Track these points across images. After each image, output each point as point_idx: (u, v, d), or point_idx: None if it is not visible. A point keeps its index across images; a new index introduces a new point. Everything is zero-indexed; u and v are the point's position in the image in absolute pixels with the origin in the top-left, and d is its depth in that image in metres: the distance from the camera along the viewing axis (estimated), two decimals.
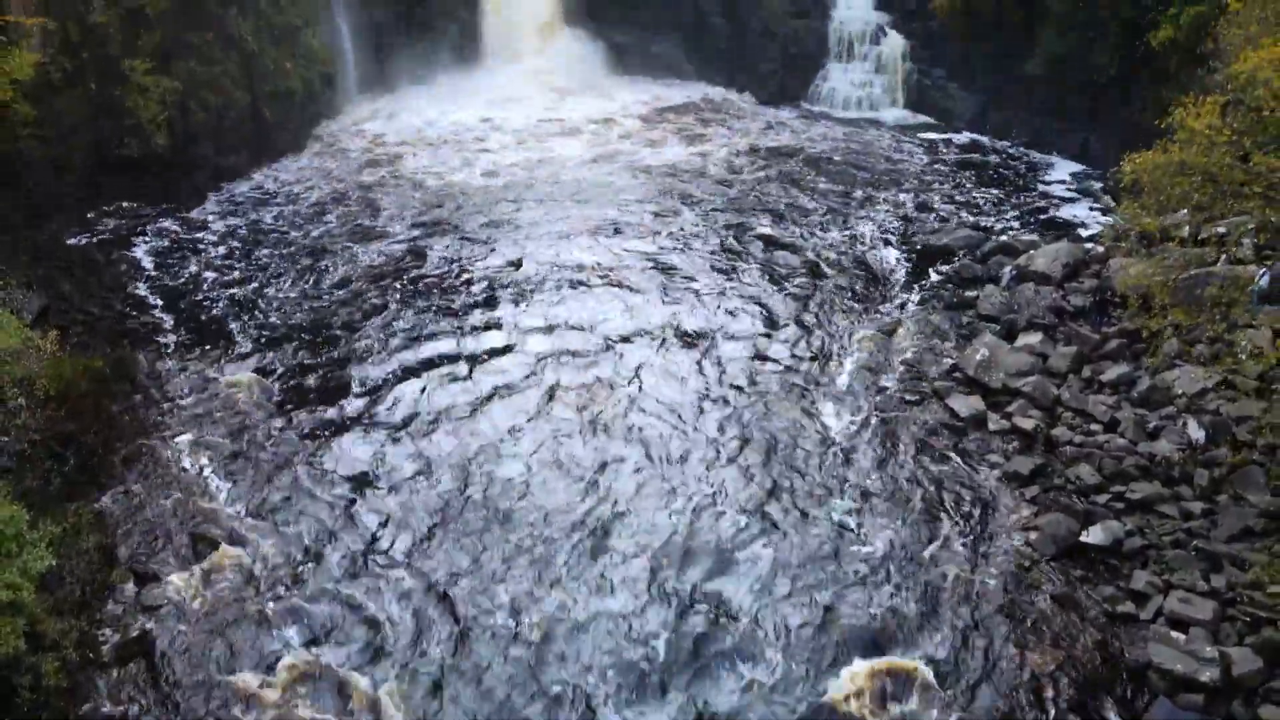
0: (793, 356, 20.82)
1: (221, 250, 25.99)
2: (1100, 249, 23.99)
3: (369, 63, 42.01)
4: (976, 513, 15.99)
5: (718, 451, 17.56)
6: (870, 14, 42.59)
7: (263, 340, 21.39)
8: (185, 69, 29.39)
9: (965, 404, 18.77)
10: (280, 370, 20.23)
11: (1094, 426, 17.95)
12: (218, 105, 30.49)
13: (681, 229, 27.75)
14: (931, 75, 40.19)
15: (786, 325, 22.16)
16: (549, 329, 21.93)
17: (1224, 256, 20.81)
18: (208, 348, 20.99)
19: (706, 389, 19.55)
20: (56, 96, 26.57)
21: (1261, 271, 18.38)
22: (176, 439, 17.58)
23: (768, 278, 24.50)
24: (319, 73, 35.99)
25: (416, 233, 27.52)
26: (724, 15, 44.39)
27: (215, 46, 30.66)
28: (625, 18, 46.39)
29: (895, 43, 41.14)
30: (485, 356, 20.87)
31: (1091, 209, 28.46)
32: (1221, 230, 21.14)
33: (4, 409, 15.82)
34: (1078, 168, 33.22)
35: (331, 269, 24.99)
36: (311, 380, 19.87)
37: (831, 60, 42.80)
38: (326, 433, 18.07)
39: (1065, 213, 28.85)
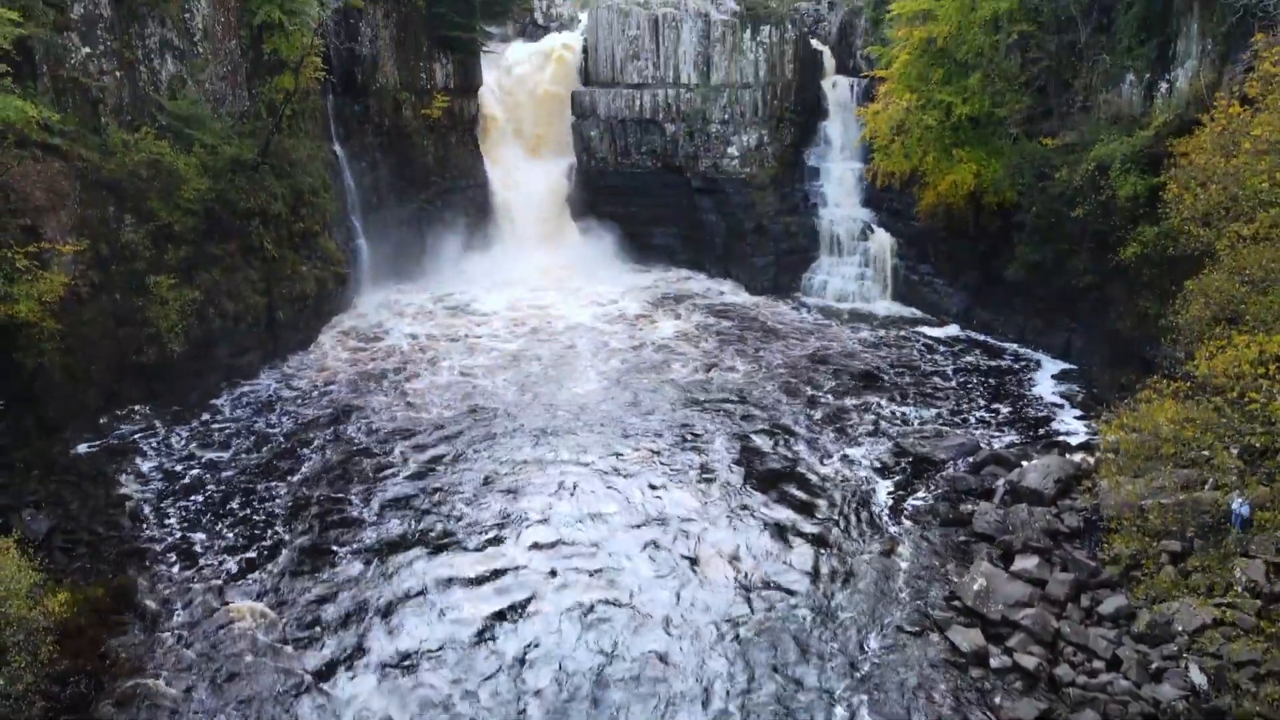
0: (790, 581, 20.86)
1: (228, 460, 26.40)
2: (1090, 461, 24.52)
3: (381, 256, 44.03)
4: None
5: (710, 692, 17.38)
6: (858, 211, 45.04)
7: (265, 561, 21.47)
8: (207, 278, 30.82)
9: (965, 638, 18.70)
10: (282, 595, 20.23)
11: (1096, 664, 17.83)
12: (235, 311, 31.78)
13: (676, 430, 28.34)
14: (919, 271, 42.01)
15: (782, 543, 22.31)
16: (552, 544, 22.14)
17: (1210, 480, 21.30)
18: (210, 570, 21.06)
19: (701, 619, 19.50)
20: (82, 309, 27.73)
21: (1241, 501, 18.78)
22: (173, 681, 17.39)
23: (759, 489, 24.84)
24: (333, 273, 37.67)
25: (422, 438, 27.96)
26: (719, 212, 46.89)
27: (237, 256, 32.29)
28: (627, 211, 49.04)
29: (883, 240, 43.27)
30: (491, 576, 21.00)
31: (1078, 418, 29.13)
32: (1206, 452, 21.72)
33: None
34: (1063, 366, 34.22)
35: (335, 479, 25.32)
36: (314, 607, 19.83)
37: (822, 255, 44.89)
38: (329, 668, 17.93)
39: (1054, 417, 29.54)
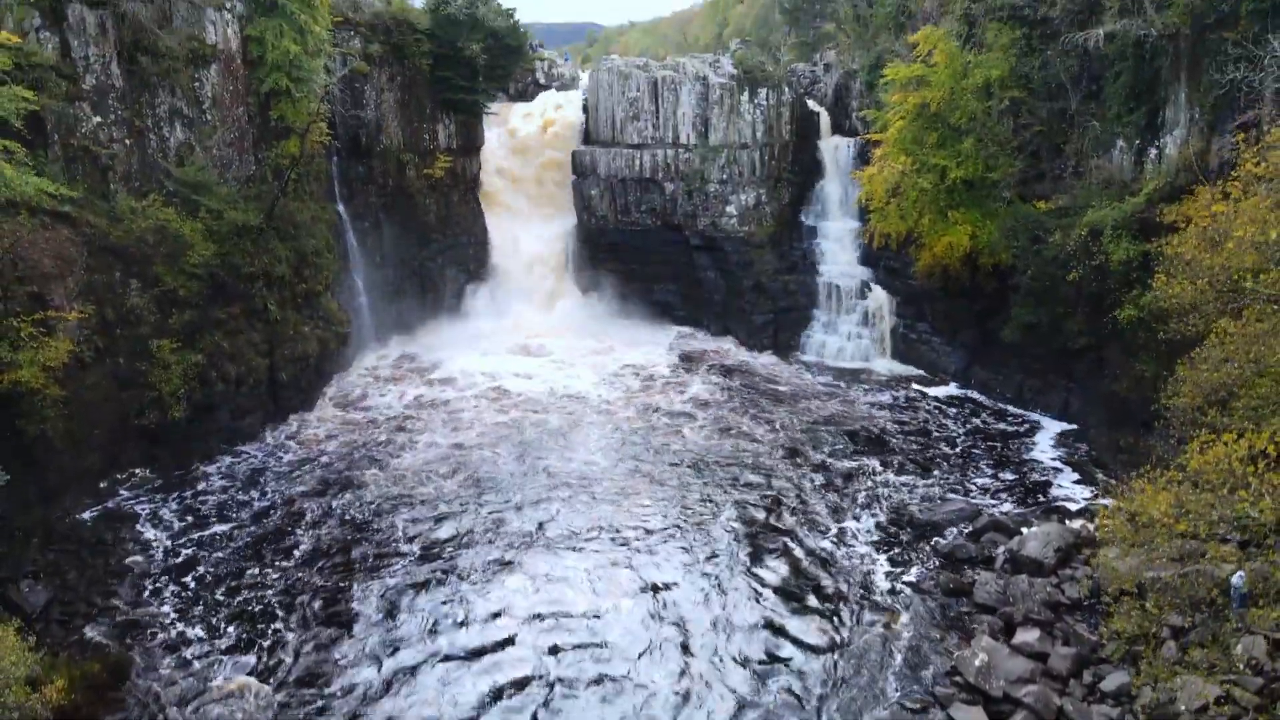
0: (790, 654, 20.76)
1: (226, 532, 26.21)
2: (1090, 528, 24.51)
3: (383, 313, 44.44)
4: None
5: None
6: (856, 269, 45.52)
7: (262, 636, 21.34)
8: (210, 342, 31.06)
9: (968, 716, 18.54)
10: (280, 670, 20.09)
11: None
12: (237, 374, 31.96)
13: (678, 500, 28.36)
14: (917, 330, 42.34)
15: (783, 615, 22.22)
16: (554, 616, 22.04)
17: (1210, 538, 21.29)
18: (207, 644, 20.93)
19: (703, 693, 19.38)
20: (85, 373, 27.90)
21: (1239, 573, 18.75)
22: None
23: (759, 559, 24.77)
24: (335, 333, 37.92)
25: (421, 511, 27.58)
26: (718, 270, 47.38)
27: (240, 319, 32.58)
28: (627, 269, 49.56)
29: (880, 298, 43.66)
30: (491, 649, 20.89)
31: (1077, 481, 29.16)
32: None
33: None
34: (1062, 427, 34.34)
35: (332, 554, 24.97)
36: (311, 684, 19.69)
37: (821, 313, 45.26)
38: None
39: (1053, 481, 29.56)
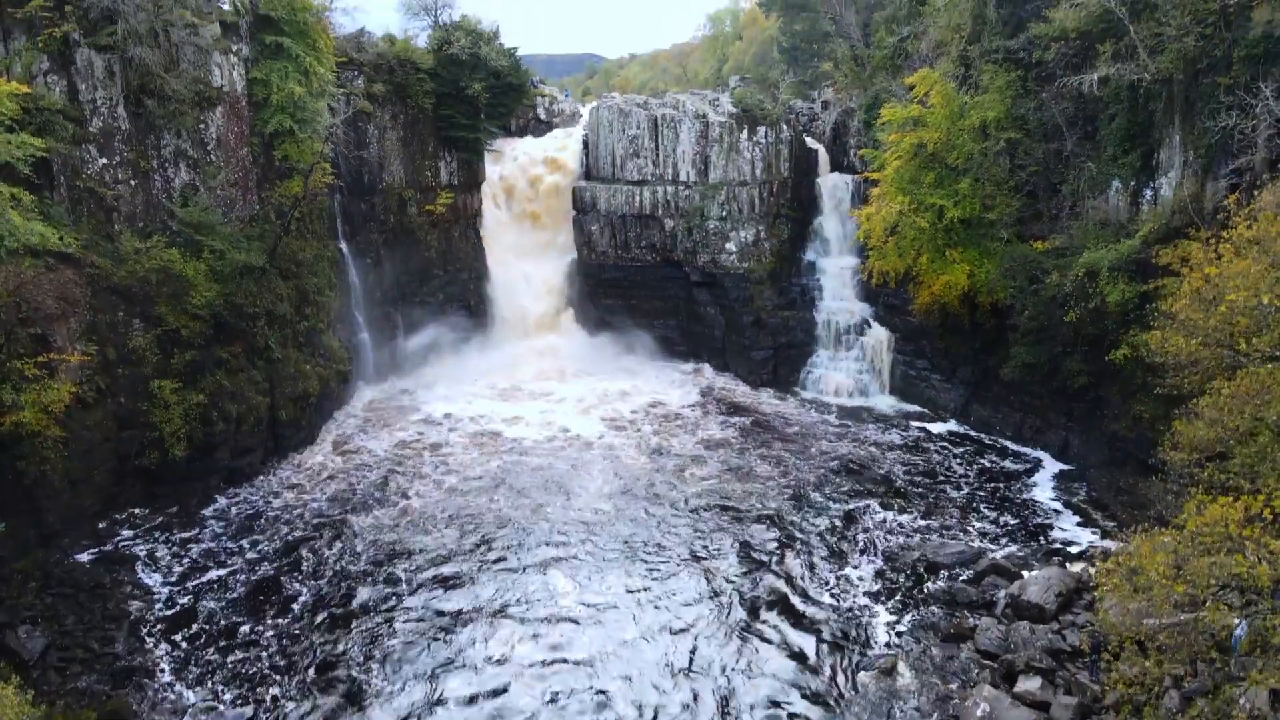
0: (793, 702, 20.64)
1: (224, 573, 26.08)
2: (1091, 572, 24.44)
3: (383, 349, 44.55)
4: None
5: None
6: (855, 305, 45.69)
7: (260, 683, 21.20)
8: (211, 381, 31.10)
9: None
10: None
11: None
12: (238, 413, 31.98)
13: (679, 543, 28.30)
14: (916, 366, 42.43)
15: (784, 662, 22.12)
16: (554, 663, 21.94)
17: (1210, 598, 21.22)
18: (204, 690, 20.81)
19: None
20: (86, 414, 27.93)
21: (1239, 622, 18.67)
22: None
23: (761, 606, 24.65)
24: (336, 370, 38.03)
25: (420, 559, 27.21)
26: (717, 306, 47.59)
27: (242, 357, 32.67)
28: (627, 304, 49.75)
29: (880, 335, 43.81)
30: (491, 694, 20.79)
31: (1079, 524, 29.12)
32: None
33: None
34: (1062, 467, 34.32)
35: (331, 601, 24.71)
36: None
37: (820, 349, 45.39)
38: None
39: (1053, 523, 29.49)
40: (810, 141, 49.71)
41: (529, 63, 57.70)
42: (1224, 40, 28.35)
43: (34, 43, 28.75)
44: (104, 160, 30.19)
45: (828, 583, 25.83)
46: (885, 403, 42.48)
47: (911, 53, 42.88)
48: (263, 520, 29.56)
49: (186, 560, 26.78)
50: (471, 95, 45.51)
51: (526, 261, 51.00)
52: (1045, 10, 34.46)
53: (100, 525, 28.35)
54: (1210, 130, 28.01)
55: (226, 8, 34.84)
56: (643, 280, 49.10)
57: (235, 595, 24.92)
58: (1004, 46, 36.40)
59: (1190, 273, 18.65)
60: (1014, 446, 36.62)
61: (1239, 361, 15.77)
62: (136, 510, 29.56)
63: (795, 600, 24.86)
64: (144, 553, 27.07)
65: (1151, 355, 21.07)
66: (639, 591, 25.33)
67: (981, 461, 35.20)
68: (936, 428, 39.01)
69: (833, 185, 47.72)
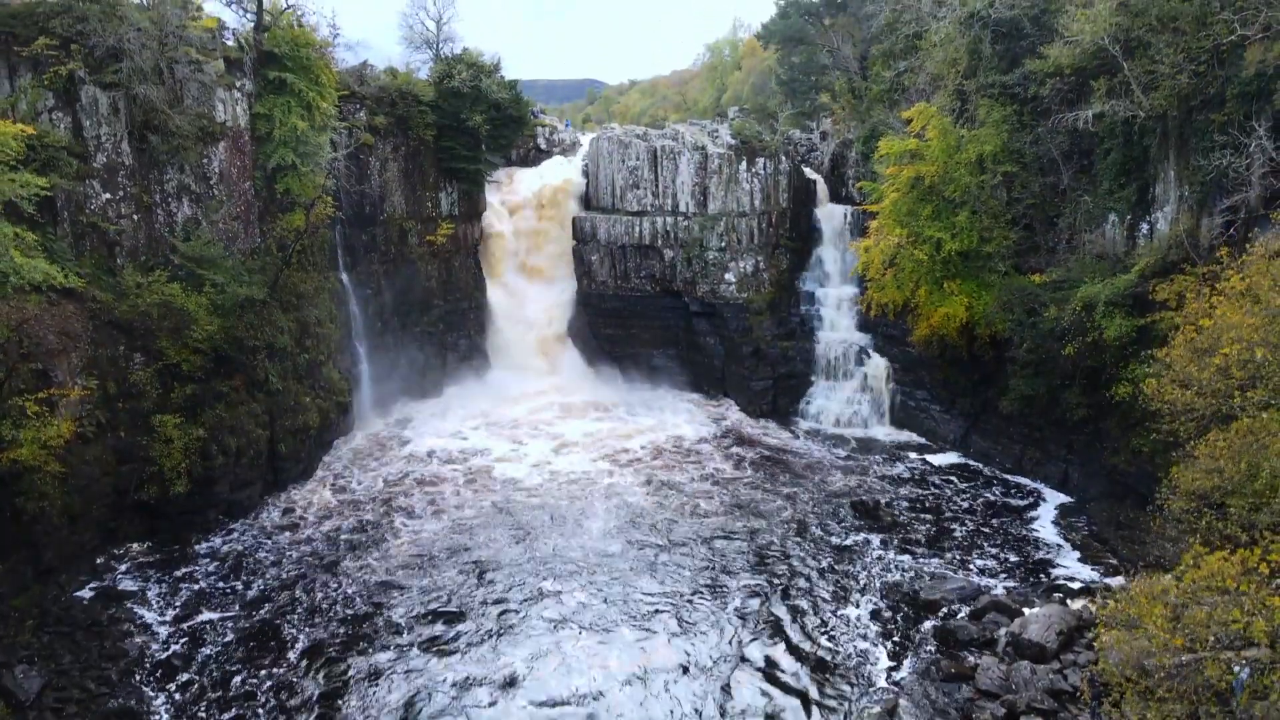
0: None
1: (219, 614, 25.77)
2: (1092, 609, 24.35)
3: (383, 380, 44.60)
4: None
5: None
6: (854, 335, 45.78)
7: None
8: (211, 415, 31.11)
9: None
10: None
11: None
12: (237, 446, 31.97)
13: (679, 579, 28.21)
14: (915, 397, 42.48)
15: (786, 702, 21.99)
16: (554, 705, 21.79)
17: (1213, 637, 21.12)
18: None
19: None
20: (85, 449, 27.95)
21: (1242, 664, 18.58)
22: None
23: (761, 642, 24.57)
24: (335, 402, 38.08)
25: (420, 595, 26.99)
26: (717, 336, 47.72)
27: (242, 390, 32.72)
28: (627, 333, 49.90)
29: (879, 365, 43.90)
30: None
31: (1080, 560, 29.01)
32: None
33: None
34: (1063, 499, 34.27)
35: (328, 644, 24.32)
36: None
37: (820, 379, 45.47)
38: None
39: (1054, 558, 29.37)
40: (809, 172, 50.08)
41: (530, 88, 58.24)
42: (1217, 78, 28.65)
43: (40, 80, 29.11)
44: (107, 195, 30.42)
45: (828, 622, 25.70)
46: (885, 433, 42.49)
47: (908, 86, 43.28)
48: (259, 559, 29.24)
49: (182, 600, 26.48)
50: (472, 127, 45.91)
51: (527, 291, 51.26)
52: (1040, 47, 34.83)
53: (98, 560, 28.28)
54: (1204, 168, 28.23)
55: (231, 44, 35.30)
56: (642, 310, 49.27)
57: (231, 640, 24.43)
58: (999, 81, 36.75)
59: (1184, 324, 18.79)
60: (1014, 478, 36.56)
61: (1234, 411, 15.85)
62: (134, 545, 29.52)
63: (796, 639, 24.73)
64: (141, 590, 26.93)
65: (1148, 402, 21.14)
66: (641, 631, 25.16)
67: (982, 494, 35.14)
68: (936, 459, 38.98)
69: (831, 216, 48.01)
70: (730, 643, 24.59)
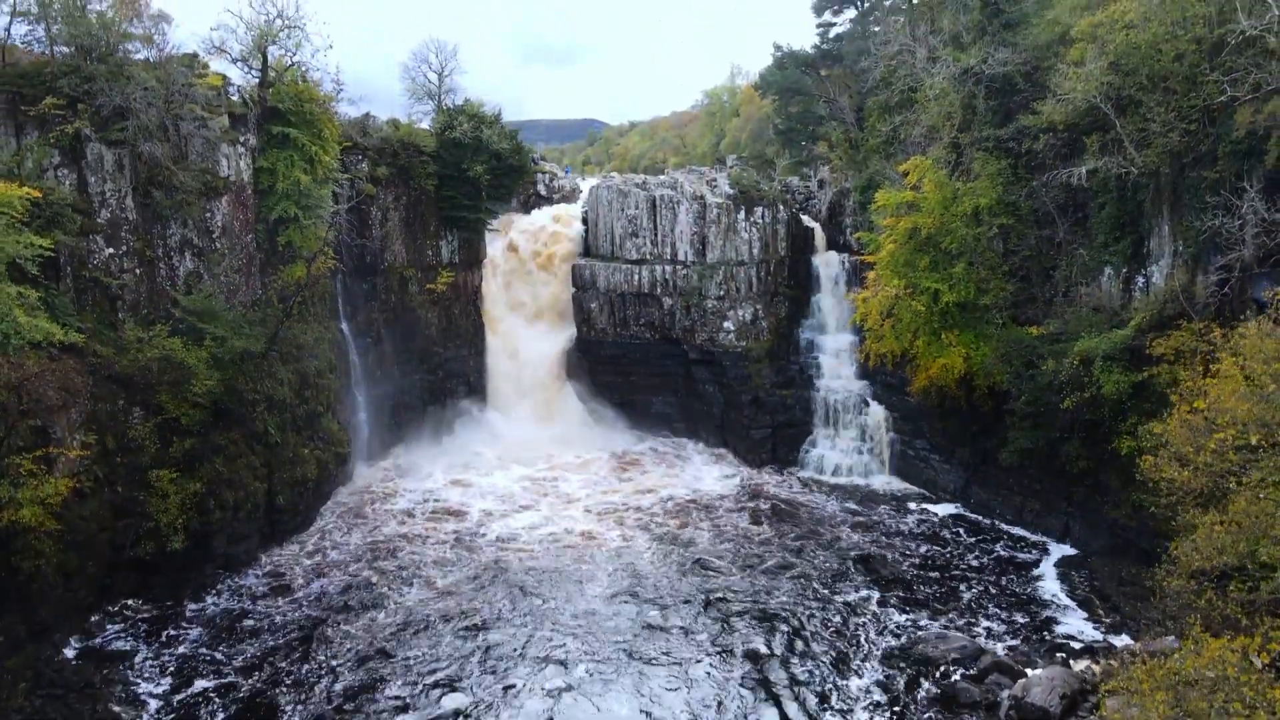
0: None
1: (212, 682, 25.13)
2: (1096, 670, 24.14)
3: (382, 429, 44.63)
4: None
5: None
6: (854, 384, 45.83)
7: None
8: (209, 469, 30.99)
9: None
10: None
11: None
12: (235, 500, 31.85)
13: (678, 639, 27.95)
14: (915, 446, 42.40)
15: None
16: None
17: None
18: None
19: None
20: (82, 505, 27.81)
21: None
22: None
23: (760, 705, 24.28)
24: (334, 453, 38.00)
25: (419, 663, 26.25)
26: (716, 384, 47.77)
27: (240, 443, 32.65)
28: (626, 381, 49.98)
29: (878, 414, 43.89)
30: None
31: (1085, 619, 28.72)
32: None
33: None
34: (1064, 552, 34.06)
35: (325, 713, 23.68)
36: None
37: (819, 427, 45.44)
38: None
39: (1057, 615, 29.06)
40: (806, 220, 50.52)
41: (531, 129, 58.92)
42: (1209, 136, 29.03)
43: (46, 138, 29.49)
44: (110, 250, 30.67)
45: (831, 685, 25.38)
46: (884, 483, 42.37)
47: (905, 138, 43.79)
48: (255, 620, 28.66)
49: (174, 666, 25.87)
50: (474, 177, 46.43)
51: (526, 337, 51.40)
52: (1033, 102, 35.32)
53: (93, 618, 28.02)
54: (1197, 230, 28.48)
55: (236, 99, 35.80)
56: (642, 357, 49.39)
57: (224, 717, 23.72)
58: (994, 135, 37.21)
59: (1179, 403, 18.88)
60: (1015, 530, 36.36)
61: (1231, 490, 15.87)
62: (129, 602, 29.24)
63: (800, 701, 24.41)
64: (132, 650, 26.58)
65: (1145, 476, 21.14)
66: (640, 699, 24.79)
67: (982, 547, 34.92)
68: (937, 509, 38.82)
69: (829, 263, 48.33)
70: (729, 701, 24.28)
